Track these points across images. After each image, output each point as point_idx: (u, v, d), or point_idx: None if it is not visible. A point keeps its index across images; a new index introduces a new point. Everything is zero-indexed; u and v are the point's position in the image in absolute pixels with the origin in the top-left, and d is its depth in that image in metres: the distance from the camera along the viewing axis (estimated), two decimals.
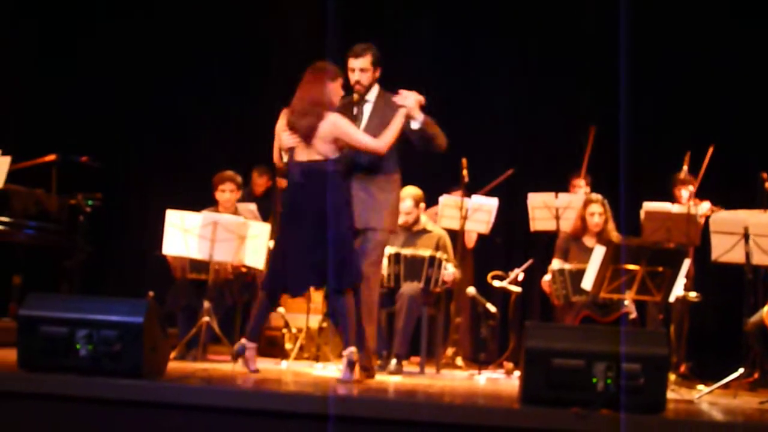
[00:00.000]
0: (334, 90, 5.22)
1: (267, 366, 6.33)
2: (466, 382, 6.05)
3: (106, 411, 4.27)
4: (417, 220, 6.82)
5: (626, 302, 6.09)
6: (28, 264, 7.40)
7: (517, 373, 6.32)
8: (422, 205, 6.88)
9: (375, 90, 5.47)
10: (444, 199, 7.37)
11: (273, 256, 5.52)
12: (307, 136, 5.11)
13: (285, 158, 5.29)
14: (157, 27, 9.01)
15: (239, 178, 6.99)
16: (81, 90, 8.87)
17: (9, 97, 8.77)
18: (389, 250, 6.49)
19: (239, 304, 6.84)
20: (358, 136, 5.22)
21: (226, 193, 6.87)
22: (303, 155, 5.18)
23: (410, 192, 6.76)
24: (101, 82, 8.88)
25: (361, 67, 5.40)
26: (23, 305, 4.55)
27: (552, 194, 7.27)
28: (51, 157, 7.54)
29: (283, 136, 5.23)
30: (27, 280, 7.28)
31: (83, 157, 7.66)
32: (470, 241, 7.79)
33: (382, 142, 5.23)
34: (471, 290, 7.16)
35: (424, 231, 6.82)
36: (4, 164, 6.89)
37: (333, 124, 5.12)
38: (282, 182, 6.46)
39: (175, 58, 8.99)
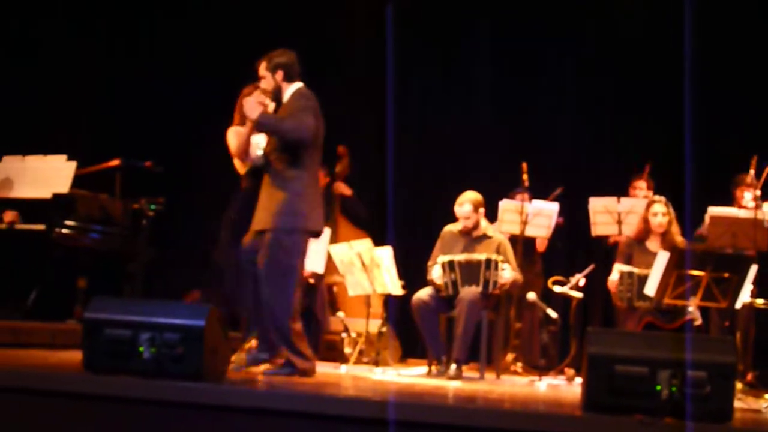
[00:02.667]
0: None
1: (326, 370, 6.35)
2: (526, 388, 5.99)
3: (168, 413, 4.30)
4: (477, 226, 6.77)
5: (691, 309, 5.98)
6: (92, 267, 7.51)
7: (578, 380, 6.26)
8: (481, 210, 6.82)
9: (290, 91, 5.60)
10: (504, 203, 7.32)
11: None
12: None
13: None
14: (218, 29, 9.11)
15: None
16: (144, 95, 9.00)
17: (74, 103, 8.93)
18: (443, 258, 6.47)
19: (301, 309, 6.86)
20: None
21: None
22: None
23: (469, 197, 6.72)
24: (164, 86, 8.99)
25: (260, 74, 5.67)
26: (88, 308, 4.61)
27: (614, 198, 7.18)
28: (115, 162, 7.64)
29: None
30: (91, 284, 7.39)
31: (147, 162, 7.75)
32: (540, 245, 7.73)
33: (234, 150, 5.78)
34: (531, 296, 7.10)
35: (485, 236, 6.77)
36: (69, 169, 7.02)
37: None
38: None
39: (236, 61, 9.05)
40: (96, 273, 7.51)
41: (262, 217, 5.45)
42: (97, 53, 9.05)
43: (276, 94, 5.60)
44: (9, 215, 6.96)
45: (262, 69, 5.64)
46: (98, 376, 4.47)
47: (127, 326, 4.46)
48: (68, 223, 6.91)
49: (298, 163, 5.44)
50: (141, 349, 4.43)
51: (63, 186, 6.94)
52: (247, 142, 5.71)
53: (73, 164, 7.05)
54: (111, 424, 4.36)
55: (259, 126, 5.47)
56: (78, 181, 7.07)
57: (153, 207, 7.55)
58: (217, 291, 6.71)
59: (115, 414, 4.36)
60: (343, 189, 8.10)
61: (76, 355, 4.91)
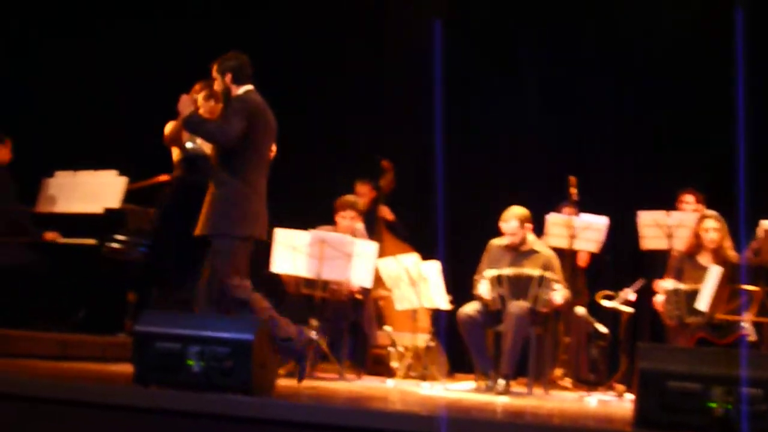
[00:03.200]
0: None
1: (373, 384, 6.34)
2: (575, 403, 5.93)
3: (217, 426, 4.32)
4: (524, 241, 6.71)
5: (745, 324, 5.87)
6: (142, 281, 7.58)
7: (628, 396, 6.18)
8: (528, 225, 6.77)
9: (239, 92, 5.68)
10: (551, 217, 7.27)
11: None
12: None
13: None
14: (268, 47, 9.17)
15: (361, 205, 7.10)
16: None
17: (124, 120, 9.04)
18: (491, 272, 6.44)
19: (348, 323, 6.87)
20: None
21: (346, 219, 6.96)
22: None
23: (515, 212, 6.67)
24: None
25: (213, 75, 5.78)
26: (139, 321, 4.65)
27: (663, 212, 7.09)
28: (164, 178, 7.72)
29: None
30: (141, 297, 7.45)
31: None
32: (582, 260, 7.66)
33: (165, 136, 6.26)
34: (580, 310, 7.03)
35: (532, 251, 6.72)
36: (120, 184, 7.12)
37: None
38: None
39: (288, 79, 9.14)
40: (145, 287, 7.58)
41: (199, 222, 5.58)
42: (147, 70, 9.15)
43: (226, 96, 5.74)
44: (50, 235, 7.07)
45: (214, 71, 5.76)
46: (148, 389, 4.50)
47: (177, 339, 4.49)
48: (118, 237, 6.99)
49: (231, 167, 5.51)
50: (190, 362, 4.46)
51: (114, 201, 7.04)
52: (178, 132, 6.23)
53: (124, 179, 7.15)
54: None
55: (185, 124, 5.69)
56: (128, 195, 7.15)
57: None
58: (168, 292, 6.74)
59: (164, 427, 4.38)
60: (386, 214, 8.16)
61: (126, 368, 4.95)
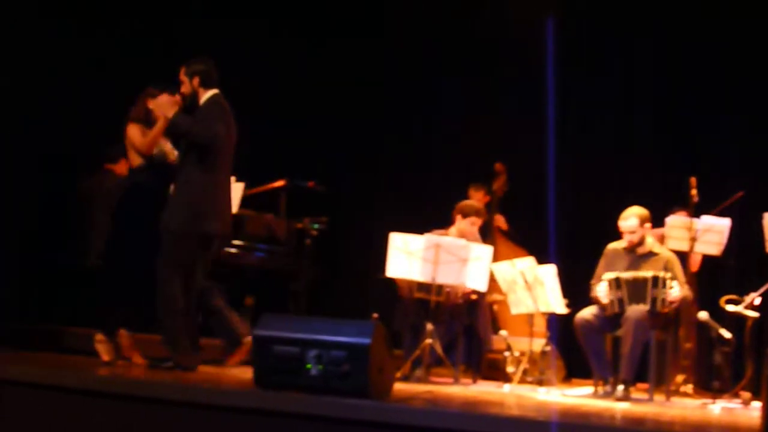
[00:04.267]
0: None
1: (489, 389, 6.30)
2: (698, 411, 5.76)
3: (335, 429, 4.36)
4: (642, 241, 6.56)
5: None
6: (258, 286, 7.70)
7: (755, 404, 5.97)
8: (647, 225, 6.61)
9: (205, 97, 5.92)
10: (671, 219, 7.09)
11: None
12: None
13: None
14: (373, 48, 9.25)
15: (483, 211, 7.11)
16: (307, 116, 9.22)
17: (240, 126, 9.21)
18: (609, 275, 6.31)
19: (462, 327, 6.84)
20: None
21: (474, 225, 6.99)
22: None
23: (635, 211, 6.53)
24: (326, 108, 9.19)
25: (180, 79, 5.97)
26: (258, 325, 4.73)
27: None
28: (280, 183, 7.83)
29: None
30: (258, 302, 7.58)
31: (310, 182, 7.91)
32: (695, 263, 7.44)
33: (142, 144, 6.01)
34: (703, 315, 6.83)
35: (651, 253, 6.56)
36: (238, 190, 7.24)
37: None
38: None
39: (397, 82, 9.18)
40: (262, 291, 7.71)
41: (164, 216, 5.75)
42: (262, 78, 9.31)
43: (192, 99, 5.91)
44: None
45: (181, 74, 5.94)
46: (267, 392, 4.57)
47: (295, 343, 4.55)
48: (236, 242, 7.11)
49: (202, 168, 5.76)
50: (308, 366, 4.52)
51: (232, 206, 7.16)
52: (157, 138, 6.02)
53: (241, 185, 7.26)
54: None
55: (172, 126, 5.81)
56: (245, 201, 7.28)
57: (316, 226, 7.68)
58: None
59: (282, 429, 4.44)
60: (501, 223, 8.11)
61: (245, 372, 5.04)
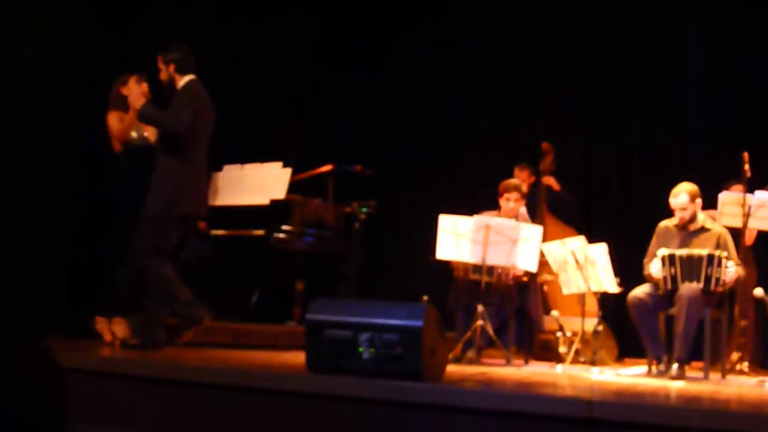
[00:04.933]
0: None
1: (541, 369, 6.27)
2: (755, 389, 5.68)
3: (388, 412, 4.37)
4: (694, 218, 6.47)
5: None
6: (308, 270, 7.74)
7: None
8: (698, 201, 6.52)
9: (183, 81, 6.15)
10: (723, 196, 6.97)
11: None
12: None
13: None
14: (423, 36, 9.20)
15: (525, 188, 7.07)
16: (353, 100, 9.22)
17: (288, 111, 9.26)
18: (663, 251, 6.24)
19: (514, 308, 6.81)
20: None
21: (510, 202, 6.92)
22: None
23: (685, 187, 6.44)
24: (372, 92, 9.18)
25: (158, 66, 6.22)
26: (309, 310, 4.75)
27: None
28: (328, 167, 7.85)
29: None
30: (308, 286, 7.62)
31: (357, 166, 7.92)
32: (749, 238, 7.32)
33: (117, 131, 6.47)
34: (759, 291, 6.72)
35: (702, 229, 6.47)
36: (285, 176, 7.28)
37: None
38: None
39: (445, 66, 9.14)
40: (312, 276, 7.74)
41: (145, 201, 5.99)
42: (305, 62, 9.33)
43: (169, 85, 6.15)
44: (202, 224, 7.29)
45: (159, 62, 6.20)
46: (320, 376, 4.60)
47: (347, 327, 4.56)
48: (285, 227, 7.14)
49: (177, 152, 5.99)
50: (360, 349, 4.53)
51: (279, 192, 7.20)
52: (131, 127, 6.45)
53: (289, 170, 7.30)
54: (332, 423, 4.48)
55: (140, 117, 6.13)
56: (293, 186, 7.31)
57: (364, 210, 7.71)
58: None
59: (336, 413, 4.47)
60: (552, 182, 7.98)
61: (297, 356, 5.07)
